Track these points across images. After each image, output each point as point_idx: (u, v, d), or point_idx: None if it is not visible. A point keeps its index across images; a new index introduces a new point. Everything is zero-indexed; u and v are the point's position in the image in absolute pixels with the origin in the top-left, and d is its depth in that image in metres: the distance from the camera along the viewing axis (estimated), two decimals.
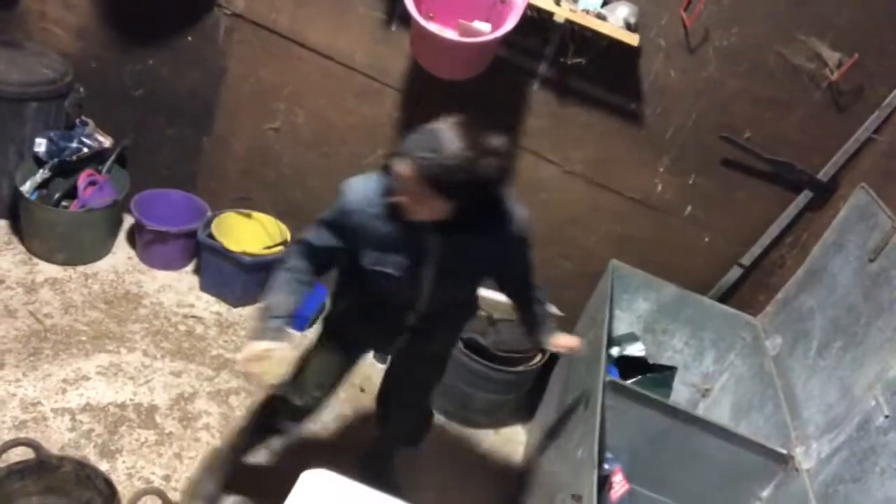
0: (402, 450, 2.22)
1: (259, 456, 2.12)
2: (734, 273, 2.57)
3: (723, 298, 2.59)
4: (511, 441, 2.62)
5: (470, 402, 2.56)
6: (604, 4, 2.26)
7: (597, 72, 2.39)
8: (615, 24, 2.21)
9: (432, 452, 2.44)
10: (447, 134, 1.37)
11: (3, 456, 1.77)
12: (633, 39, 2.20)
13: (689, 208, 2.54)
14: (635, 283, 2.47)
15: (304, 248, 1.64)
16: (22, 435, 1.99)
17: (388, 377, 2.06)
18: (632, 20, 2.23)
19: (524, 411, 2.68)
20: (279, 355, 1.56)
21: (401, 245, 1.56)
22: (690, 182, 2.50)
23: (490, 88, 2.46)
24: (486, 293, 2.62)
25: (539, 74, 2.44)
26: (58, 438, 2.04)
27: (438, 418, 2.61)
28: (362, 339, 1.87)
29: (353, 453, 2.23)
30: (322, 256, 1.64)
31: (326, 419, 2.41)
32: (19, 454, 1.81)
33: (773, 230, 2.49)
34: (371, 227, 1.54)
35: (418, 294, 1.65)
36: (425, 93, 2.54)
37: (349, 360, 1.89)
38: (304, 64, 2.59)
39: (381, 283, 1.62)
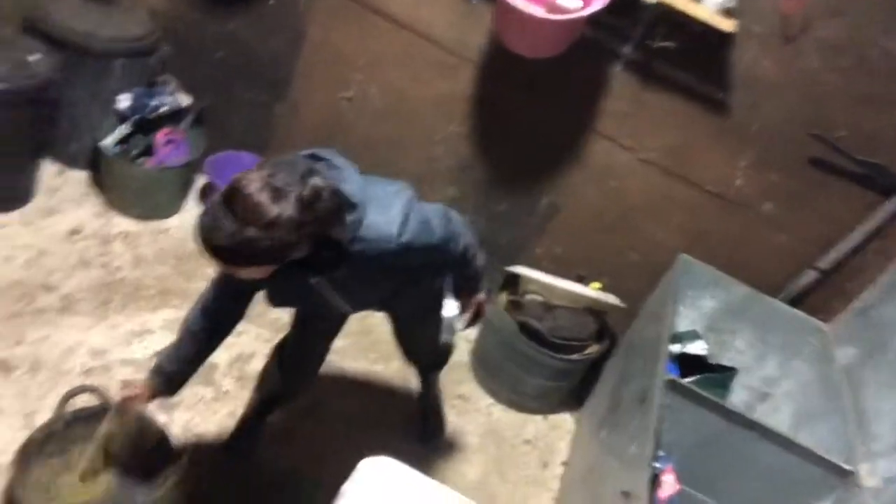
0: (433, 374, 2.33)
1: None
2: (808, 276, 2.44)
3: (793, 302, 2.47)
4: (558, 428, 2.60)
5: (520, 386, 2.54)
6: None
7: (685, 57, 2.29)
8: (711, 9, 2.10)
9: (478, 433, 2.44)
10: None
11: (71, 401, 1.85)
12: (728, 25, 2.09)
13: (768, 206, 2.42)
14: (703, 279, 2.38)
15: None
16: (88, 382, 2.07)
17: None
18: (729, 5, 2.11)
19: (574, 400, 2.65)
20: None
21: (290, 290, 1.55)
22: (773, 179, 2.38)
23: (571, 68, 2.39)
24: (544, 278, 2.58)
25: (623, 56, 2.35)
26: None
27: (486, 399, 2.60)
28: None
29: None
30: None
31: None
32: (85, 401, 1.89)
33: (857, 235, 2.35)
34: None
35: (338, 310, 1.67)
36: (503, 69, 2.49)
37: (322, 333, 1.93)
38: (382, 34, 2.57)
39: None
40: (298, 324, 1.94)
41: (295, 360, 1.99)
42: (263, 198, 1.21)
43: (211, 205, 1.25)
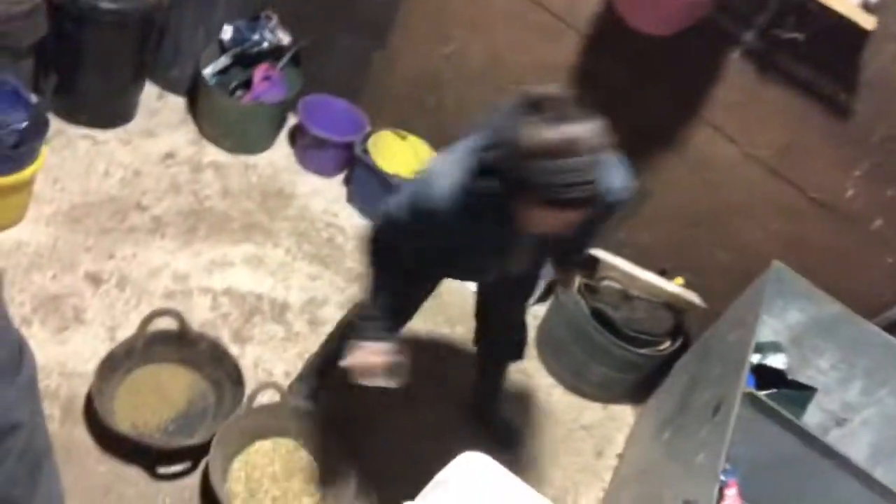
0: (507, 365, 2.20)
1: None
2: None
3: (890, 328, 2.32)
4: (617, 419, 2.55)
5: (584, 372, 2.50)
6: None
7: (812, 51, 2.12)
8: (850, 2, 1.94)
9: (535, 412, 2.42)
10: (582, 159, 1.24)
11: (152, 321, 1.92)
12: (867, 22, 1.92)
13: (878, 222, 2.26)
14: (795, 290, 2.25)
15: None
16: (170, 305, 2.14)
17: (481, 295, 2.01)
18: (872, 0, 1.94)
19: (637, 393, 2.59)
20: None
21: (491, 239, 1.48)
22: (889, 194, 2.21)
23: (685, 49, 2.26)
24: (626, 265, 2.50)
25: (744, 43, 2.20)
26: (199, 315, 2.18)
27: (547, 379, 2.57)
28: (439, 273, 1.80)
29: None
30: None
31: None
32: (165, 322, 1.96)
33: None
34: (459, 227, 1.41)
35: (501, 267, 1.61)
36: (612, 42, 2.37)
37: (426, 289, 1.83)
38: None
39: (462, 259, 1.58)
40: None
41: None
42: (588, 133, 1.24)
43: (557, 164, 1.22)
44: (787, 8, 2.09)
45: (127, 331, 2.01)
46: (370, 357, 1.52)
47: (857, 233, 2.29)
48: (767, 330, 2.32)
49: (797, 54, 2.15)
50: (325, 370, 2.05)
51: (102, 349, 1.93)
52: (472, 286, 2.47)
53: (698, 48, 2.26)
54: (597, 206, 1.38)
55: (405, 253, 1.57)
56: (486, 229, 1.43)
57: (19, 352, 0.69)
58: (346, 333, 1.95)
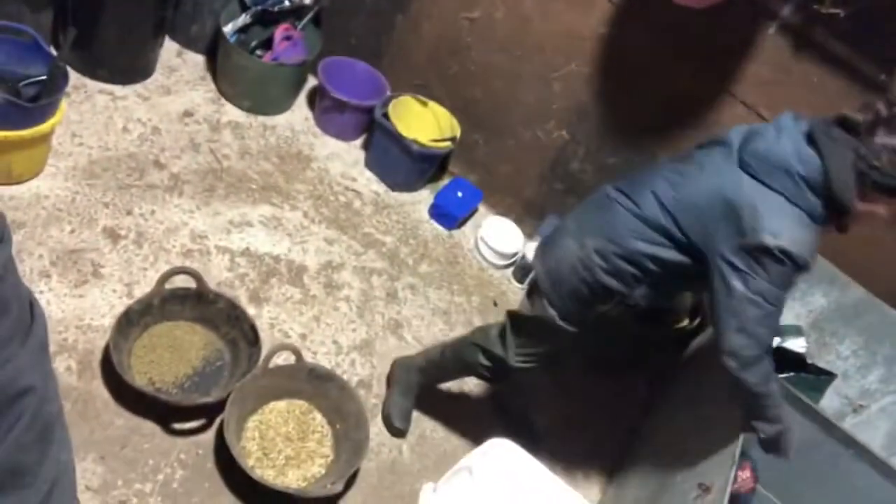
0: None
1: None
2: None
3: None
4: (630, 393, 2.54)
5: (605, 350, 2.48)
6: None
7: (851, 28, 2.05)
8: None
9: (548, 383, 2.40)
10: None
11: (170, 279, 1.91)
12: None
13: None
14: (819, 274, 2.21)
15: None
16: (187, 263, 2.14)
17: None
18: None
19: (652, 370, 2.57)
20: None
21: None
22: None
23: (719, 22, 2.19)
24: None
25: (781, 17, 2.13)
26: (216, 274, 2.18)
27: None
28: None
29: None
30: None
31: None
32: (182, 281, 1.95)
33: None
34: None
35: None
36: (643, 12, 2.31)
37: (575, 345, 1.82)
38: None
39: None
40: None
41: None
42: None
43: None
44: None
45: (144, 287, 2.00)
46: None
47: None
48: (789, 312, 2.29)
49: (836, 31, 2.09)
50: (424, 392, 2.07)
51: (120, 305, 1.93)
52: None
53: (733, 22, 2.19)
54: None
55: None
56: None
57: (30, 312, 0.66)
58: (463, 366, 1.94)
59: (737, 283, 1.43)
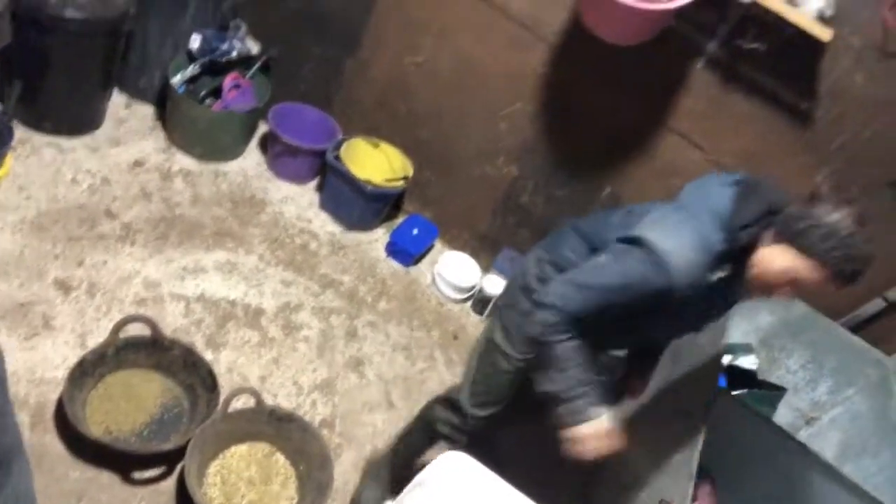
0: None
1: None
2: (875, 305, 2.36)
3: (855, 329, 2.40)
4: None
5: None
6: None
7: (772, 61, 2.20)
8: (807, 13, 2.02)
9: None
10: (845, 222, 1.32)
11: (124, 327, 1.88)
12: (824, 34, 2.00)
13: None
14: None
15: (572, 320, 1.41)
16: (141, 311, 2.11)
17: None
18: (827, 13, 2.02)
19: (610, 394, 2.61)
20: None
21: (699, 302, 1.45)
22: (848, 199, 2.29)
23: (650, 59, 2.32)
24: None
25: (707, 53, 2.27)
26: (171, 321, 2.15)
27: None
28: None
29: None
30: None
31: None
32: (137, 329, 1.92)
33: None
34: (683, 297, 1.39)
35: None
36: (579, 52, 2.43)
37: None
38: (457, 2, 2.52)
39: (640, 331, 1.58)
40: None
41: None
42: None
43: (854, 233, 1.31)
44: (748, 19, 2.16)
45: (98, 337, 1.97)
46: (602, 440, 1.43)
47: None
48: (737, 331, 2.37)
49: (759, 64, 2.23)
50: (401, 475, 1.85)
51: (73, 356, 1.89)
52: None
53: (663, 58, 2.32)
54: None
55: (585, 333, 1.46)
56: (701, 302, 1.45)
57: None
58: (428, 432, 1.81)
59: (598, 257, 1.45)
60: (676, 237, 1.37)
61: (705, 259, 1.37)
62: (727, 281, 1.42)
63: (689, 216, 1.41)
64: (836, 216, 1.31)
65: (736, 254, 1.39)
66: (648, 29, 2.20)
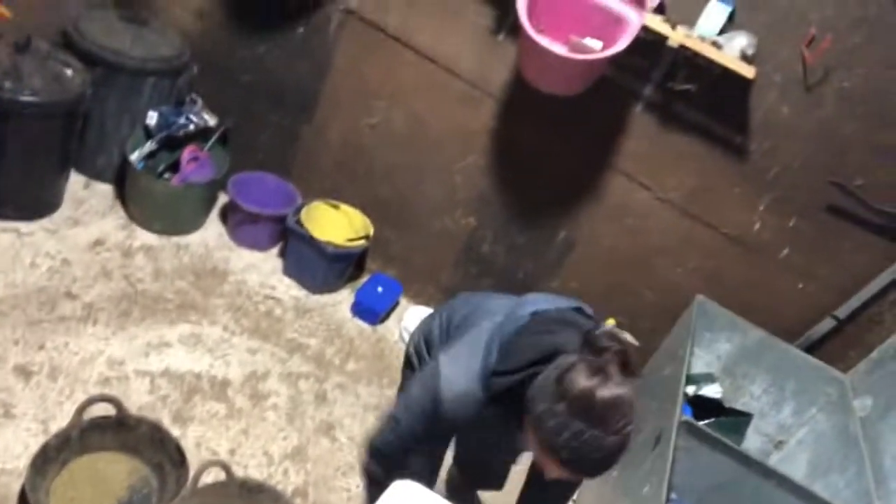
0: None
1: None
2: (826, 324, 2.44)
3: (810, 349, 2.46)
4: None
5: None
6: (721, 32, 2.19)
7: (704, 100, 2.32)
8: (731, 54, 2.14)
9: None
10: (580, 415, 1.13)
11: (87, 409, 1.86)
12: (748, 72, 2.13)
13: (786, 251, 2.43)
14: (720, 322, 2.38)
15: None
16: (105, 391, 2.09)
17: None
18: (749, 52, 2.15)
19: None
20: None
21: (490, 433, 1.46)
22: (791, 224, 2.39)
23: (591, 106, 2.43)
24: None
25: (643, 97, 2.39)
26: (137, 399, 2.13)
27: None
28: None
29: None
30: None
31: None
32: (101, 409, 1.90)
33: (875, 285, 2.35)
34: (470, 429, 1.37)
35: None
36: (525, 105, 2.53)
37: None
38: (407, 65, 2.62)
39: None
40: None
41: None
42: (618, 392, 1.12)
43: (592, 436, 1.12)
44: (678, 63, 2.28)
45: (61, 422, 1.94)
46: None
47: (769, 262, 2.46)
48: (700, 362, 2.43)
49: (692, 104, 2.35)
50: None
51: (35, 443, 1.85)
52: None
53: (603, 104, 2.43)
54: None
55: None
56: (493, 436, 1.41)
57: None
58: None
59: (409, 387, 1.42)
60: (460, 367, 1.29)
61: (479, 399, 1.28)
62: (510, 418, 1.28)
63: (480, 346, 1.30)
64: (567, 407, 1.12)
65: (506, 396, 1.25)
66: (584, 78, 2.30)
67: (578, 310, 1.37)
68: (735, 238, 2.47)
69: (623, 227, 2.59)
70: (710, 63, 2.17)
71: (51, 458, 1.79)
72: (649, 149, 2.45)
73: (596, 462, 1.15)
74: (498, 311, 1.42)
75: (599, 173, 2.55)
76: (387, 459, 1.45)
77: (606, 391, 1.11)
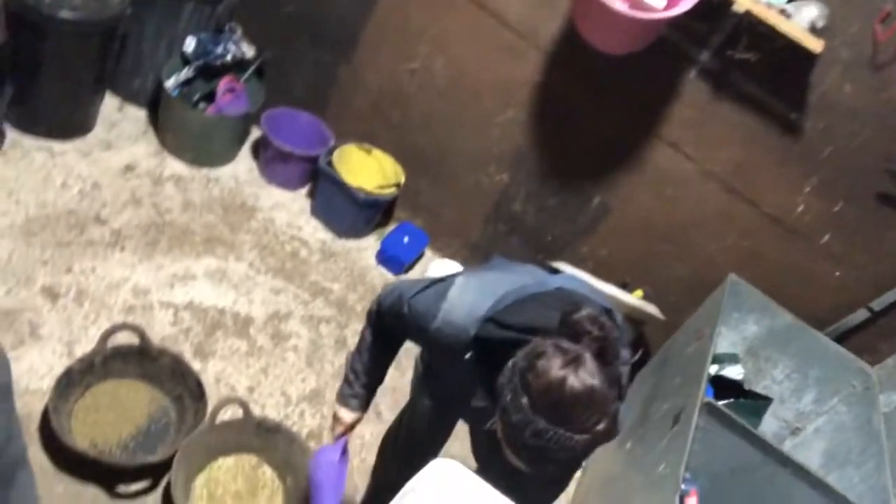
0: None
1: None
2: (859, 315, 2.37)
3: (840, 339, 2.41)
4: None
5: None
6: (791, 0, 2.06)
7: (763, 71, 2.21)
8: (799, 25, 2.02)
9: None
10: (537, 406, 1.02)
11: (112, 336, 1.88)
12: (815, 45, 2.01)
13: (827, 237, 2.35)
14: (750, 303, 2.32)
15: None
16: (130, 319, 2.11)
17: None
18: (819, 24, 2.03)
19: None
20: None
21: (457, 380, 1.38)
22: (836, 209, 2.30)
23: (643, 68, 2.32)
24: (586, 277, 2.54)
25: (699, 62, 2.28)
26: (160, 330, 2.15)
27: None
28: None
29: None
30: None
31: None
32: (125, 337, 1.92)
33: None
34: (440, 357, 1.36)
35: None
36: (573, 62, 2.43)
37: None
38: (455, 9, 2.52)
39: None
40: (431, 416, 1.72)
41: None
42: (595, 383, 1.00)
43: (555, 434, 1.00)
44: (740, 29, 2.16)
45: (85, 346, 1.97)
46: (339, 426, 1.56)
47: (808, 247, 2.38)
48: (724, 342, 2.39)
49: (750, 74, 2.24)
50: None
51: (60, 365, 1.89)
52: None
53: (656, 67, 2.32)
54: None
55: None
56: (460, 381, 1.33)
57: None
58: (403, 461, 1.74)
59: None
60: (467, 301, 1.22)
61: (469, 337, 1.20)
62: (484, 378, 1.18)
63: (495, 292, 1.22)
64: (530, 402, 1.01)
65: (488, 355, 1.16)
66: (641, 38, 2.20)
67: (609, 312, 1.23)
68: (776, 218, 2.39)
69: (661, 196, 2.51)
70: (775, 32, 2.05)
71: (74, 381, 1.82)
72: (698, 117, 2.36)
73: (560, 462, 1.05)
74: (530, 275, 1.36)
75: (643, 138, 2.47)
76: (376, 310, 1.47)
77: (577, 382, 0.99)
